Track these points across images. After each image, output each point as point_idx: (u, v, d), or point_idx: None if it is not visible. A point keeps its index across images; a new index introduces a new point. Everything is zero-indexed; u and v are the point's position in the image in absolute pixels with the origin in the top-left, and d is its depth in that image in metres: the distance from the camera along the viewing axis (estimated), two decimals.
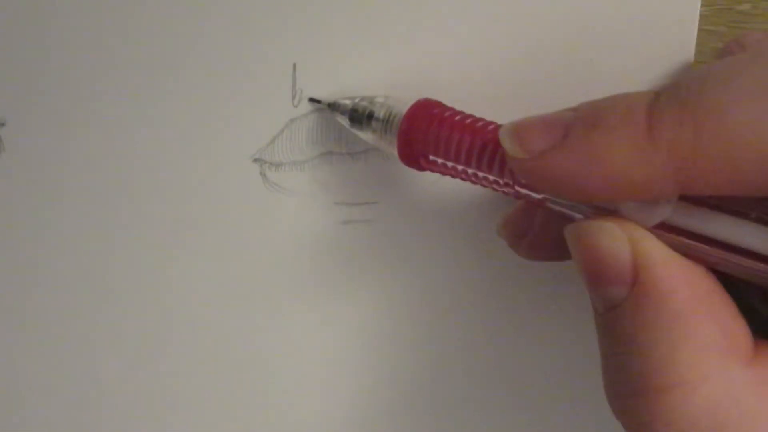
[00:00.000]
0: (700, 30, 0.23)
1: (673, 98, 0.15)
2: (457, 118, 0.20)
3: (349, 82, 0.23)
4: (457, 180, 0.20)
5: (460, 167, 0.20)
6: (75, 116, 0.24)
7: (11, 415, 0.27)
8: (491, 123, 0.20)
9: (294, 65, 0.23)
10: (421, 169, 0.21)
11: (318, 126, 0.24)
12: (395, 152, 0.21)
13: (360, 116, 0.22)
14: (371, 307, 0.26)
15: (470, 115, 0.20)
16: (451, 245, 0.25)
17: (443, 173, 0.21)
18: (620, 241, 0.16)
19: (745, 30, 0.24)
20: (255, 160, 0.24)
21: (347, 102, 0.23)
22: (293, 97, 0.24)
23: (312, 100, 0.24)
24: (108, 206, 0.25)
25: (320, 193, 0.25)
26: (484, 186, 0.20)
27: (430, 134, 0.20)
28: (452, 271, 0.26)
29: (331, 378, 0.27)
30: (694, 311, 0.15)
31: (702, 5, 0.23)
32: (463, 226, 0.25)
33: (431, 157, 0.21)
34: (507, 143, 0.17)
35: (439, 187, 0.25)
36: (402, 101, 0.21)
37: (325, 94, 0.23)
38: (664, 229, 0.16)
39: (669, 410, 0.15)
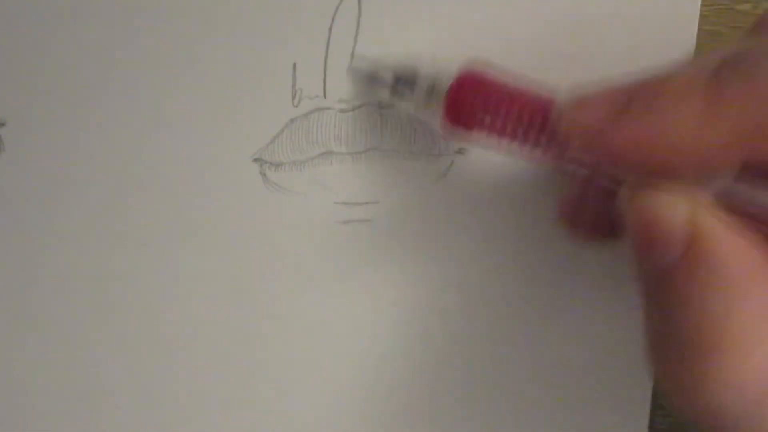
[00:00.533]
0: (700, 30, 0.23)
1: (737, 69, 0.15)
2: (509, 86, 0.19)
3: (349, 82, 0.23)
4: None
5: (508, 139, 0.19)
6: (75, 116, 0.24)
7: (11, 415, 0.27)
8: (542, 92, 0.19)
9: (294, 65, 0.23)
10: (466, 138, 0.20)
11: (318, 126, 0.24)
12: (438, 122, 0.21)
13: (403, 86, 0.21)
14: (371, 308, 0.26)
15: (520, 82, 0.19)
16: (451, 245, 0.25)
17: (487, 141, 0.20)
18: (677, 203, 0.16)
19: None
20: (255, 160, 0.24)
21: (389, 73, 0.22)
22: (293, 97, 0.24)
23: (353, 69, 0.23)
24: (108, 206, 0.25)
25: (320, 193, 0.25)
26: (532, 159, 0.19)
27: (478, 104, 0.19)
28: (452, 271, 0.26)
29: (332, 378, 0.27)
30: (750, 276, 0.15)
31: (702, 5, 0.23)
32: (463, 226, 0.25)
33: (476, 130, 0.20)
34: (568, 114, 0.17)
35: (439, 187, 0.25)
36: (448, 70, 0.21)
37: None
38: (720, 203, 0.16)
39: (719, 373, 0.15)
